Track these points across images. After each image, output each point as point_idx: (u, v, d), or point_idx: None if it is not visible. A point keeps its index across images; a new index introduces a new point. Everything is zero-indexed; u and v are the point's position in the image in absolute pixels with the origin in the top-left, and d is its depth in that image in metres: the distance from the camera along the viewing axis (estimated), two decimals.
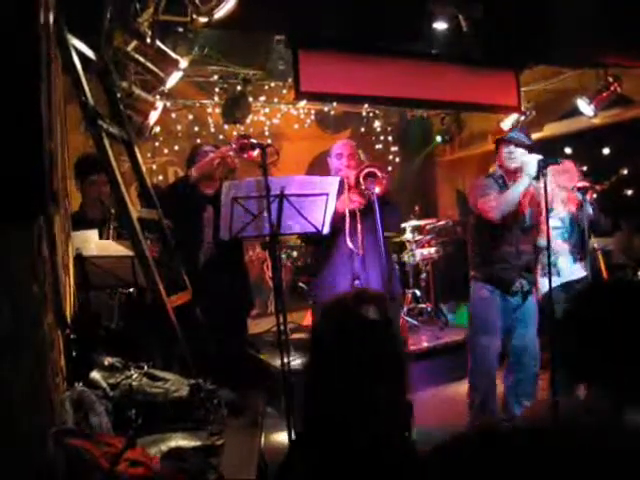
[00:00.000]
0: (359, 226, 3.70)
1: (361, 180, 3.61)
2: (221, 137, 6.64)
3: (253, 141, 3.22)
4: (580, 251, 4.11)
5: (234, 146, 3.46)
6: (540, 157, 3.33)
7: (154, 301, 2.77)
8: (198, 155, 3.87)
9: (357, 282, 3.67)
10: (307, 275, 6.12)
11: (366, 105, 7.01)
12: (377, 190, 3.54)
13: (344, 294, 1.54)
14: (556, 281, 3.81)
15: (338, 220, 3.56)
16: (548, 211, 3.30)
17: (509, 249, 3.54)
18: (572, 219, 4.13)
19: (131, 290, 3.13)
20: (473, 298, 3.64)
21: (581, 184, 4.07)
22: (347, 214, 3.67)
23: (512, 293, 3.54)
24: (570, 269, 4.10)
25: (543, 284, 3.86)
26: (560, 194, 4.09)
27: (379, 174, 3.61)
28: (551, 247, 3.37)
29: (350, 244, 3.66)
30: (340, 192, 3.67)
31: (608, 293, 1.19)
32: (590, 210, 4.03)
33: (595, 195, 4.11)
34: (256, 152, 3.38)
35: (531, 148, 3.56)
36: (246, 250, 6.14)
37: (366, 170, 3.62)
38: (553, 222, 3.89)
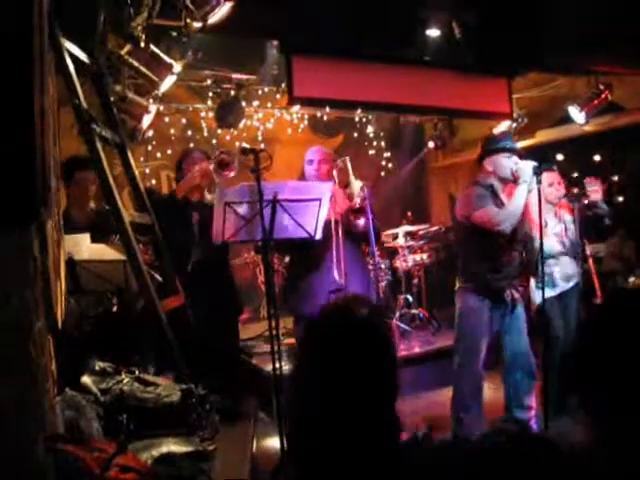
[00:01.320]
0: (339, 236, 3.68)
1: (351, 217, 3.60)
2: (214, 142, 6.65)
3: (245, 146, 3.21)
4: (576, 257, 4.13)
5: (213, 161, 3.53)
6: (535, 163, 3.34)
7: (147, 305, 2.77)
8: (186, 160, 3.88)
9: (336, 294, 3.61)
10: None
11: (359, 110, 7.03)
12: (362, 222, 3.54)
13: (338, 299, 1.52)
14: (551, 292, 3.84)
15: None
16: (542, 219, 3.31)
17: (501, 259, 3.55)
18: (569, 228, 4.13)
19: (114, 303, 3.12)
20: (462, 308, 3.63)
21: (568, 191, 4.09)
22: (333, 223, 3.64)
23: (503, 302, 3.55)
24: (566, 279, 4.11)
25: (538, 294, 3.86)
26: (550, 208, 4.10)
27: (365, 208, 3.58)
28: (545, 258, 3.38)
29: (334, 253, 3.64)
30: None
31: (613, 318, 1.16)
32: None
33: (587, 201, 4.13)
34: (233, 173, 3.50)
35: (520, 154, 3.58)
36: (241, 253, 6.15)
37: (354, 207, 3.59)
38: (549, 240, 3.91)
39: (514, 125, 6.14)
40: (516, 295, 3.60)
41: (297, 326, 3.99)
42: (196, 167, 3.68)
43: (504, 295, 3.54)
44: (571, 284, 4.10)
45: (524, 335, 3.62)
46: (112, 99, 3.21)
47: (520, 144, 6.15)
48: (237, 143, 6.30)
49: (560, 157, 5.94)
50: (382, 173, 7.93)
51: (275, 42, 4.83)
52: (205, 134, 6.69)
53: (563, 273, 4.08)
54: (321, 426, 1.23)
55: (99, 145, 2.69)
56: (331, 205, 3.55)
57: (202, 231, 3.59)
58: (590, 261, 4.56)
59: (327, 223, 3.55)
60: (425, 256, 6.31)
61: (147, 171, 6.40)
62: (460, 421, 3.53)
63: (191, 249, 3.78)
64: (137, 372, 2.48)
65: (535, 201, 3.33)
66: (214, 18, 3.39)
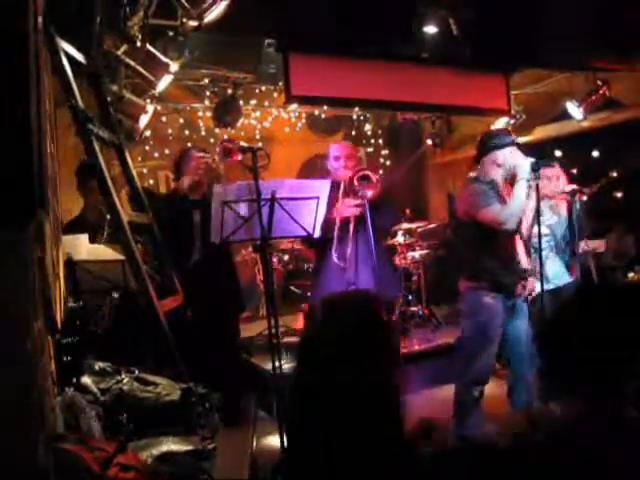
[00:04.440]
0: (352, 233, 3.72)
1: (355, 182, 3.63)
2: (212, 141, 6.63)
3: (243, 144, 3.21)
4: (570, 255, 4.13)
5: (217, 150, 3.50)
6: (533, 160, 3.34)
7: (146, 305, 2.76)
8: (187, 159, 3.86)
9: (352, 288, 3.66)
10: (301, 279, 6.19)
11: (357, 108, 7.02)
12: (369, 193, 3.56)
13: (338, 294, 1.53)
14: (547, 286, 3.84)
15: (333, 227, 3.60)
16: (539, 215, 3.31)
17: (508, 254, 3.54)
18: (561, 223, 4.14)
19: (116, 295, 3.12)
20: (474, 307, 3.55)
21: (569, 187, 4.08)
22: (337, 222, 3.70)
23: (514, 297, 3.54)
24: (558, 274, 4.12)
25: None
26: (547, 202, 4.09)
27: (373, 178, 3.63)
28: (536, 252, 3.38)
29: (334, 255, 3.71)
30: (335, 198, 3.69)
31: (594, 298, 1.19)
32: (580, 212, 4.05)
33: (585, 198, 4.12)
34: (240, 156, 3.42)
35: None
36: (238, 250, 6.15)
37: (360, 173, 3.63)
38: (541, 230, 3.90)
39: (512, 122, 6.14)
40: (521, 289, 3.61)
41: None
42: (199, 158, 3.68)
43: (514, 291, 3.53)
44: (565, 281, 4.10)
45: (525, 322, 3.60)
46: (109, 99, 3.21)
47: (518, 140, 6.17)
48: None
49: (558, 153, 5.94)
50: (380, 171, 7.93)
51: (272, 40, 4.82)
52: (203, 133, 6.68)
53: (555, 268, 4.09)
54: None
55: (96, 145, 2.69)
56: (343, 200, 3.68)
57: (204, 230, 3.58)
58: (589, 257, 4.56)
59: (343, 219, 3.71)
60: (424, 253, 6.32)
61: (145, 171, 6.39)
62: (462, 421, 3.51)
63: (192, 248, 3.79)
64: (137, 372, 2.48)
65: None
66: (210, 16, 3.39)
